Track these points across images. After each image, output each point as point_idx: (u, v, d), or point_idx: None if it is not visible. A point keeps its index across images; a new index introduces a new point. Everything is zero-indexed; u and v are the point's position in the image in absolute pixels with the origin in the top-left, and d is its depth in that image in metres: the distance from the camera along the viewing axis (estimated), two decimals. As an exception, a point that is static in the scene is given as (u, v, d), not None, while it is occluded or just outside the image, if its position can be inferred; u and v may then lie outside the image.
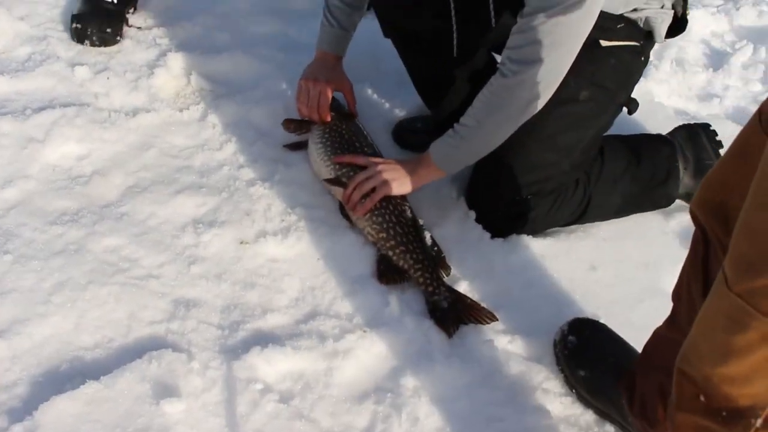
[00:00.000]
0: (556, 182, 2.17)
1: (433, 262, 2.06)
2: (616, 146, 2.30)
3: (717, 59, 3.13)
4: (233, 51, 2.78)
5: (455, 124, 2.05)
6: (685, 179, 2.33)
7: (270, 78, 2.68)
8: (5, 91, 2.52)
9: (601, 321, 1.94)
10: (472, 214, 2.21)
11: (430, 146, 2.12)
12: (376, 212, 2.11)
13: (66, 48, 2.75)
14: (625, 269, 2.17)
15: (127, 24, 2.87)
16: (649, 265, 2.17)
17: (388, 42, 2.40)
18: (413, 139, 2.49)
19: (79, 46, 2.76)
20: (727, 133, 2.44)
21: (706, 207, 1.38)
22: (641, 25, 2.15)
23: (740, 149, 1.30)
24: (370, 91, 2.69)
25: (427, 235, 2.12)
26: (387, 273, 2.06)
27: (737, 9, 3.42)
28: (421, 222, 2.16)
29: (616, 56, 2.15)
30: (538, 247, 2.17)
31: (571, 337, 1.87)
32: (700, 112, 2.86)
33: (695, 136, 2.38)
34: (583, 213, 2.24)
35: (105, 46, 2.75)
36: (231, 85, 2.65)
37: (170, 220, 2.16)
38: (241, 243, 2.11)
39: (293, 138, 2.42)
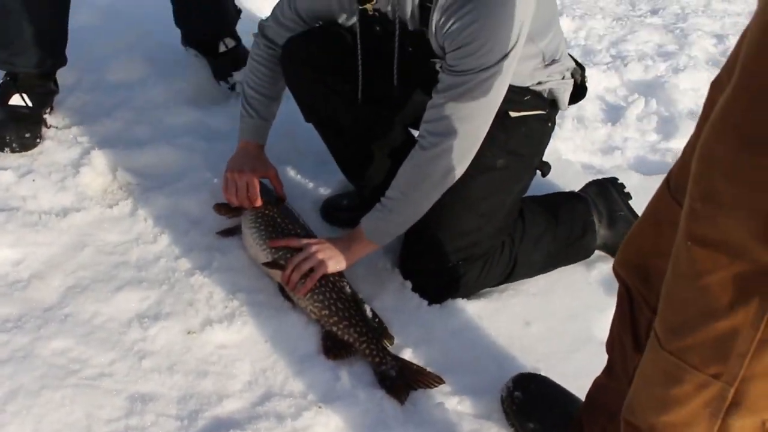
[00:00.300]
0: (484, 247, 2.28)
1: (377, 333, 2.14)
2: (534, 208, 2.44)
3: (613, 113, 3.34)
4: (155, 143, 2.83)
5: (382, 198, 2.16)
6: (601, 231, 2.48)
7: (195, 167, 2.74)
8: (-71, 204, 2.51)
9: (542, 373, 2.05)
10: (408, 284, 2.31)
11: (360, 221, 2.21)
12: (316, 291, 2.18)
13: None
14: (556, 322, 2.29)
15: (46, 125, 2.89)
16: (578, 316, 2.30)
17: (304, 123, 2.50)
18: (341, 215, 2.58)
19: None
20: (632, 183, 2.64)
21: (627, 267, 1.52)
22: (546, 95, 2.33)
23: (653, 216, 1.44)
24: (293, 173, 2.78)
25: (368, 308, 2.20)
26: (333, 348, 2.12)
27: (625, 65, 3.68)
28: (360, 296, 2.24)
29: (525, 125, 2.30)
30: (474, 309, 2.28)
31: (517, 393, 1.97)
32: (604, 165, 3.04)
33: (605, 190, 2.55)
34: (511, 273, 2.36)
35: (26, 150, 2.76)
36: (157, 178, 2.70)
37: (115, 317, 2.18)
38: (189, 333, 2.15)
39: (225, 223, 2.48)
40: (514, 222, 2.38)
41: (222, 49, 3.17)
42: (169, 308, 2.21)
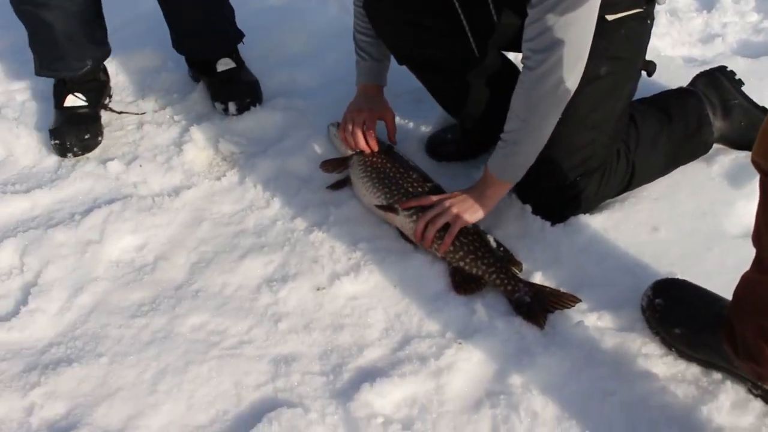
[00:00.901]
0: (600, 158, 2.22)
1: (504, 261, 2.12)
2: (644, 110, 2.36)
3: (707, 0, 3.19)
4: (252, 108, 2.86)
5: (502, 134, 2.10)
6: (716, 123, 2.38)
7: (294, 126, 2.76)
8: (48, 203, 2.59)
9: (679, 277, 1.99)
10: (528, 208, 2.26)
11: (487, 164, 2.16)
12: (439, 229, 2.17)
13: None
14: (684, 222, 2.22)
15: (113, 110, 2.95)
16: (706, 213, 2.23)
17: (394, 64, 2.48)
18: (447, 149, 2.56)
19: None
20: (739, 70, 2.52)
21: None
22: None
23: None
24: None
25: (491, 238, 2.18)
26: (463, 283, 2.11)
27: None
28: (481, 228, 2.21)
29: (624, 27, 2.20)
30: (598, 222, 2.23)
31: (658, 300, 1.92)
32: (706, 55, 2.93)
33: (715, 80, 2.45)
34: (631, 180, 2.30)
35: (88, 152, 2.79)
36: (259, 143, 2.73)
37: (243, 285, 2.22)
38: (318, 290, 2.17)
39: (334, 178, 2.48)
40: (627, 127, 2.30)
41: (220, 68, 2.96)
42: (295, 269, 2.24)
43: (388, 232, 2.29)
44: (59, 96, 2.87)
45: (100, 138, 2.83)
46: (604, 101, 2.20)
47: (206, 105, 2.94)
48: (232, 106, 2.84)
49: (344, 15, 3.36)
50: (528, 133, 2.07)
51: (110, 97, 3.01)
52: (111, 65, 3.09)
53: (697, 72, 2.54)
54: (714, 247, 2.13)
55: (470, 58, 2.32)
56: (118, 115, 2.94)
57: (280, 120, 2.80)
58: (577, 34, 1.94)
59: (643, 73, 2.34)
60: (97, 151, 2.80)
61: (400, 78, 2.60)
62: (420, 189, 2.29)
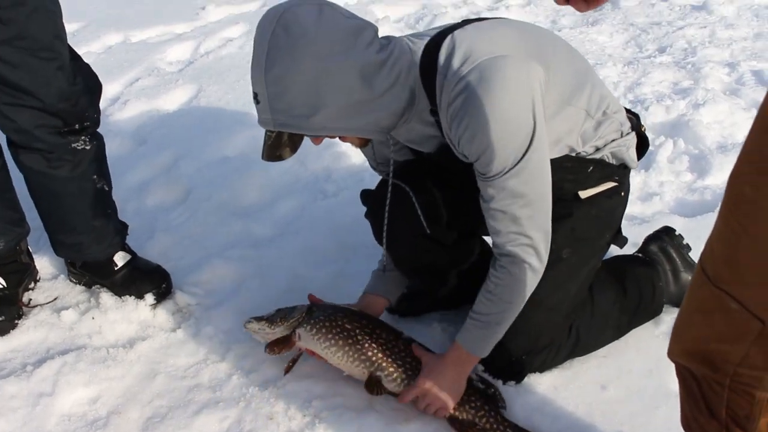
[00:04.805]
0: (550, 336, 2.27)
1: (492, 403, 2.18)
2: (602, 281, 2.39)
3: (644, 159, 3.33)
4: (207, 259, 2.91)
5: (479, 315, 2.11)
6: (668, 290, 2.50)
7: (249, 276, 2.81)
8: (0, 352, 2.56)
9: (629, 436, 2.05)
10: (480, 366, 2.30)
11: (460, 343, 2.15)
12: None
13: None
14: (632, 381, 2.30)
15: (26, 304, 2.76)
16: (652, 372, 2.31)
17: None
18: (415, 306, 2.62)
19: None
20: (678, 227, 2.65)
21: (686, 356, 1.49)
22: (610, 161, 2.23)
23: (700, 306, 1.42)
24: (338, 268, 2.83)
25: (474, 376, 2.21)
26: (462, 429, 2.15)
27: (646, 109, 3.73)
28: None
29: (596, 206, 2.25)
30: (548, 381, 2.30)
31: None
32: (645, 212, 3.07)
33: (665, 247, 2.56)
34: (578, 351, 2.36)
35: (2, 334, 2.63)
36: (215, 294, 2.76)
37: (199, 442, 2.21)
38: (274, 448, 2.17)
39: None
40: (583, 301, 2.34)
41: (117, 266, 2.78)
42: (250, 425, 2.23)
43: (345, 388, 2.31)
44: None
45: (16, 321, 2.67)
46: (564, 284, 2.25)
47: (163, 254, 2.98)
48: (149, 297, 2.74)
49: (297, 166, 3.48)
50: (513, 313, 2.11)
51: (36, 281, 2.88)
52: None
53: (638, 230, 2.67)
54: (661, 406, 2.20)
55: (464, 256, 2.42)
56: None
57: (236, 271, 2.85)
58: (533, 225, 2.00)
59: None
60: (51, 300, 2.79)
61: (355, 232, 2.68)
62: (394, 342, 2.27)
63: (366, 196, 2.43)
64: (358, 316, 2.32)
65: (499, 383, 2.27)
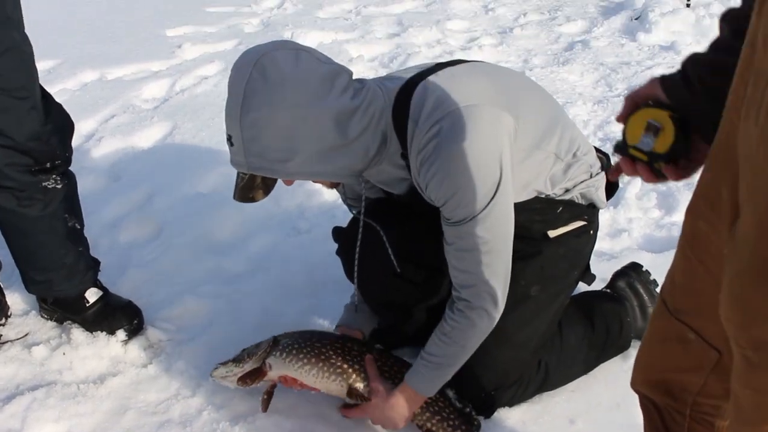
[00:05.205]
0: (518, 373, 2.29)
1: (468, 422, 2.21)
2: (570, 317, 2.42)
3: (614, 196, 3.41)
4: (179, 296, 2.91)
5: (430, 356, 2.12)
6: (635, 325, 2.53)
7: (221, 312, 2.81)
8: (-31, 390, 2.55)
9: (597, 471, 2.07)
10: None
11: (409, 383, 2.16)
12: None
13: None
14: (600, 415, 2.32)
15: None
16: (620, 406, 2.33)
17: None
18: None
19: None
20: (645, 263, 2.69)
21: (647, 386, 1.54)
22: (579, 201, 2.26)
23: (659, 336, 1.47)
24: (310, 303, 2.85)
25: (451, 393, 2.24)
26: None
27: (614, 147, 3.76)
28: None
29: (564, 244, 2.28)
30: (517, 415, 2.32)
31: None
32: (614, 248, 3.12)
33: (632, 283, 2.60)
34: (546, 386, 2.38)
35: None
36: (187, 330, 2.76)
37: (169, 479, 2.21)
38: (243, 485, 2.17)
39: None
40: (552, 336, 2.37)
41: (88, 303, 2.76)
42: (221, 461, 2.24)
43: (316, 425, 2.32)
44: None
45: None
46: (532, 321, 2.27)
47: (134, 290, 2.97)
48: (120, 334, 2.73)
49: (270, 203, 3.48)
50: (465, 356, 2.12)
51: (7, 317, 2.85)
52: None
53: (606, 265, 2.71)
54: (628, 440, 2.22)
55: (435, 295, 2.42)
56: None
57: (208, 307, 2.86)
58: (494, 270, 2.01)
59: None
60: (22, 336, 2.78)
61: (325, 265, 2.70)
62: (367, 353, 2.30)
63: (338, 233, 2.46)
64: (327, 334, 2.38)
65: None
